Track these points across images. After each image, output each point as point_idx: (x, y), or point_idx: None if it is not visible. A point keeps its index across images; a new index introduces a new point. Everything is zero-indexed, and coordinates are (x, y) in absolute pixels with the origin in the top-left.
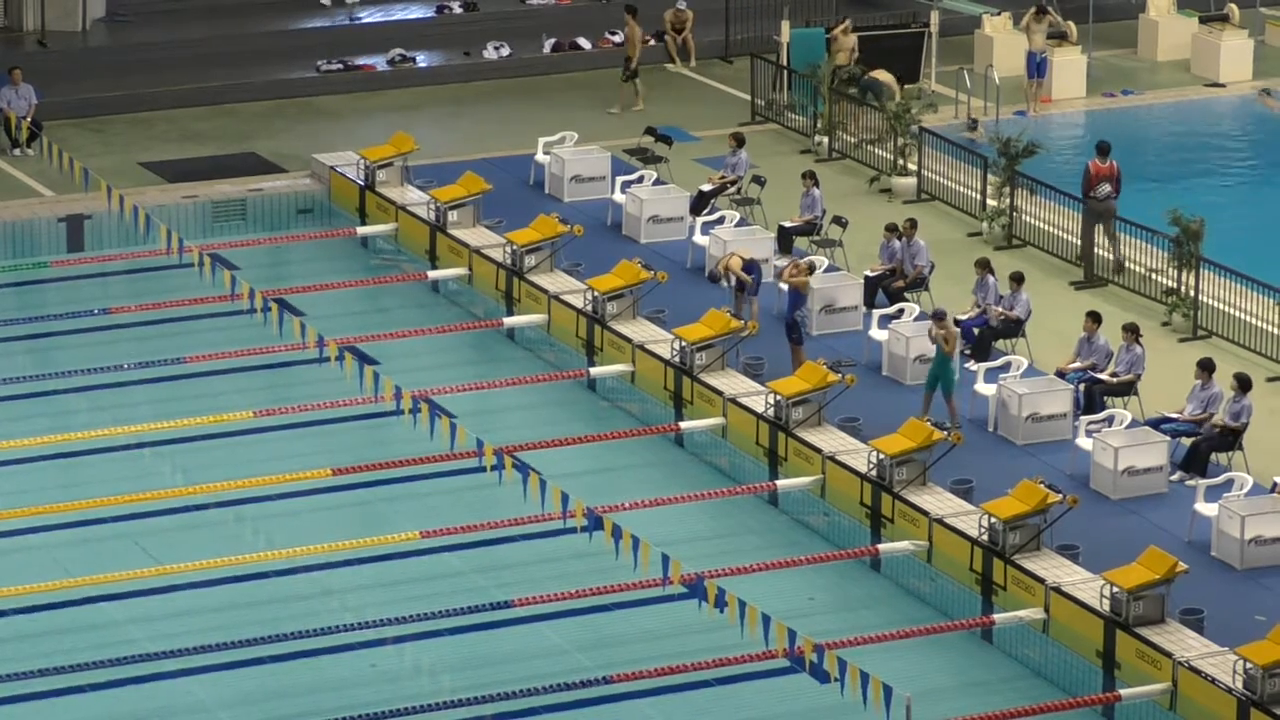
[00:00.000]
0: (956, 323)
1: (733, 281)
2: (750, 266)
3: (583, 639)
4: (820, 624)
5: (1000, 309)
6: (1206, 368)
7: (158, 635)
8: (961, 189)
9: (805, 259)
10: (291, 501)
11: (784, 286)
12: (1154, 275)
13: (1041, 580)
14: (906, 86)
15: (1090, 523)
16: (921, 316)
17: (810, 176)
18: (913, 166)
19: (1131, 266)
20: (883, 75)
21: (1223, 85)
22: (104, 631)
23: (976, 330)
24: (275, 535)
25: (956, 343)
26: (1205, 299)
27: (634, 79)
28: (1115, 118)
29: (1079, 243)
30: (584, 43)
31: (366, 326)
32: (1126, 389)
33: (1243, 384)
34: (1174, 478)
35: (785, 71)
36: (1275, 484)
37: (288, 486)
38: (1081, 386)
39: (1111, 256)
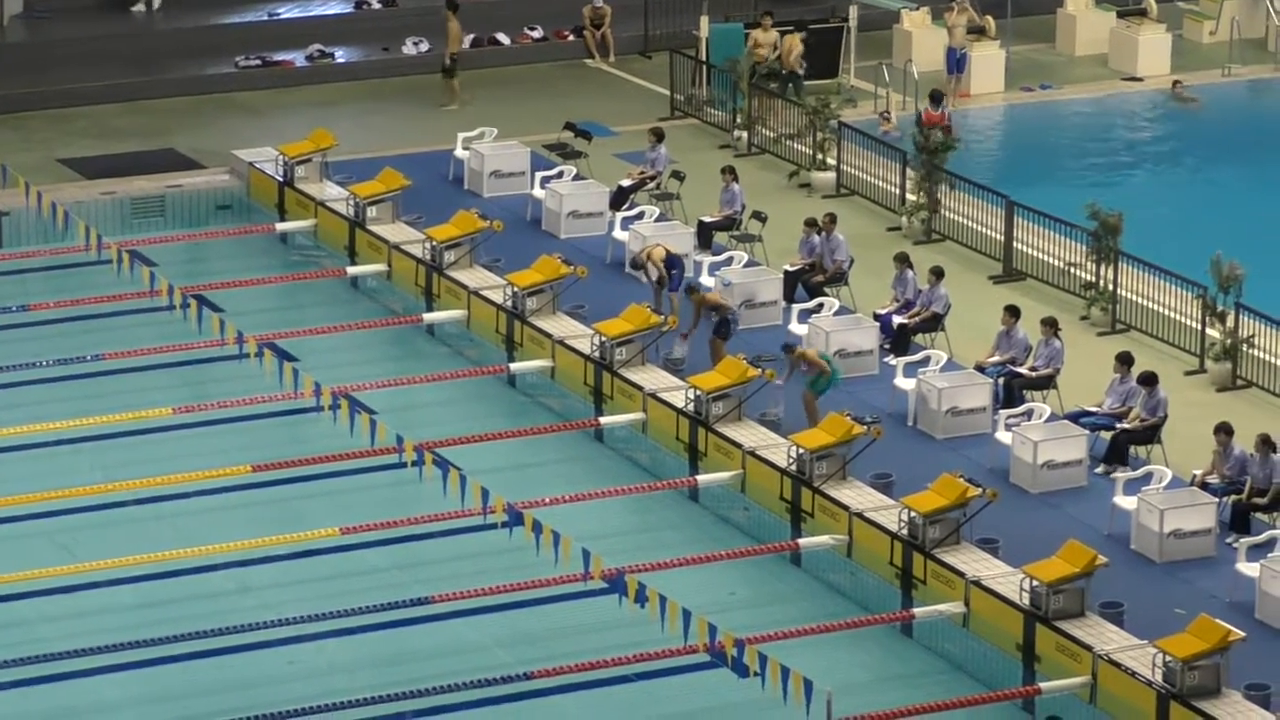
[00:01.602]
0: (876, 317)
1: (653, 276)
2: (673, 261)
3: (503, 635)
4: (741, 619)
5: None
6: (1125, 361)
7: (70, 633)
8: (881, 184)
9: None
10: (210, 498)
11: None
12: (1072, 269)
13: (961, 574)
14: (825, 81)
15: (1010, 517)
16: (842, 311)
17: (730, 171)
18: (832, 161)
19: (1050, 260)
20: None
21: (1140, 79)
22: (15, 630)
23: (896, 325)
24: (194, 532)
25: (817, 358)
26: (1124, 293)
27: (452, 77)
28: (1034, 112)
29: (999, 237)
30: (503, 38)
31: (286, 323)
32: (1046, 383)
33: (1148, 380)
34: (1099, 470)
35: (704, 67)
36: (1194, 476)
37: (207, 483)
38: (1001, 380)
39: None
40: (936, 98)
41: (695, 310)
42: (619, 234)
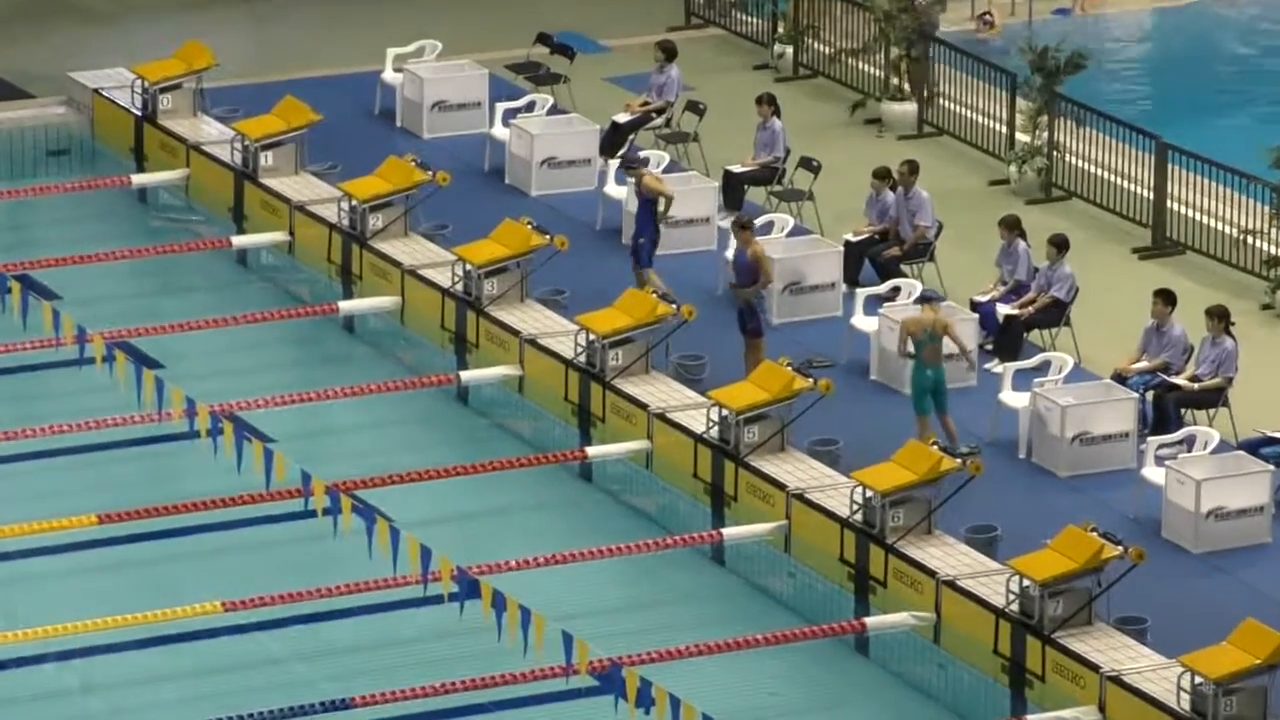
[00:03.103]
0: (975, 306)
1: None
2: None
3: None
4: None
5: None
6: None
7: None
8: (980, 119)
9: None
10: (41, 561)
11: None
12: (1250, 239)
13: (1096, 668)
14: None
15: (1162, 586)
16: (932, 307)
17: (769, 102)
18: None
19: (1219, 227)
20: None
21: None
22: None
23: (1003, 318)
24: (19, 608)
25: (905, 335)
26: None
27: None
28: (1198, 18)
29: (1147, 194)
30: None
31: (146, 314)
32: (1213, 398)
33: None
34: None
35: None
36: None
37: (36, 540)
38: (1150, 395)
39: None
40: None
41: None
42: (613, 189)
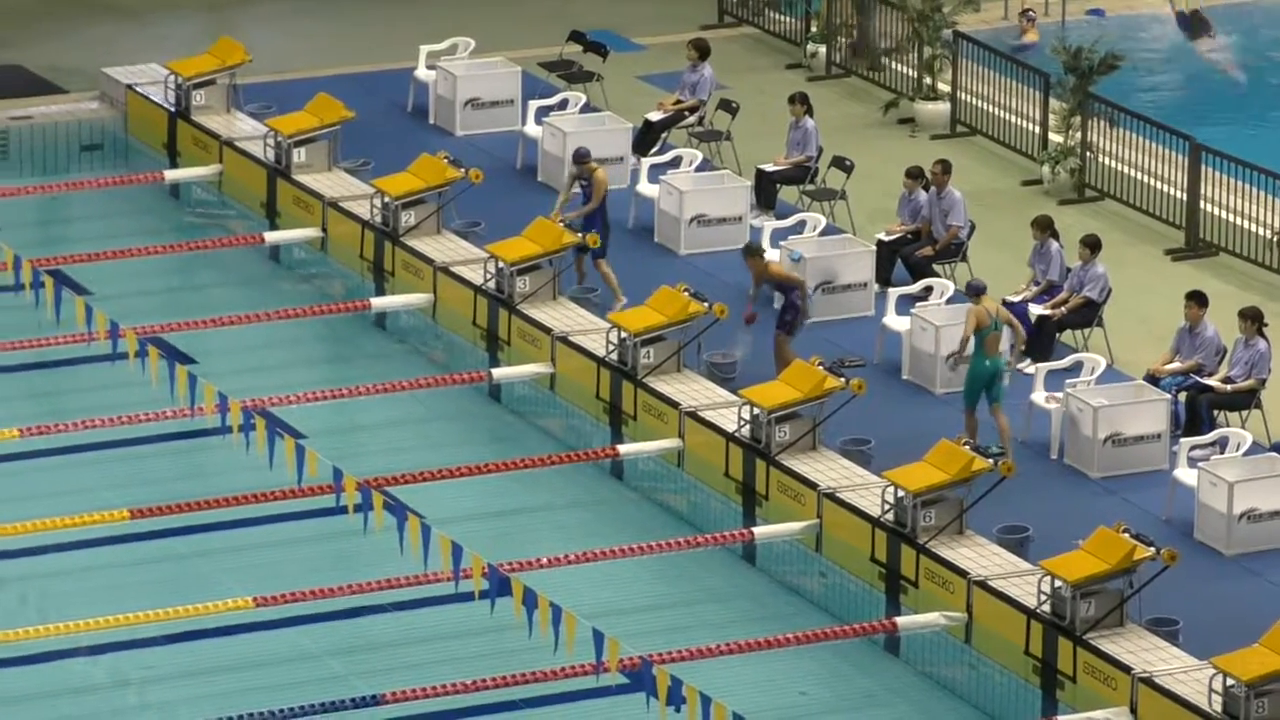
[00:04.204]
0: (1007, 307)
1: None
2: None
3: None
4: None
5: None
6: None
7: None
8: (1014, 119)
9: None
10: (73, 556)
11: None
12: None
13: (1127, 669)
14: None
15: (1195, 588)
16: (958, 297)
17: (802, 101)
18: (945, 87)
19: (1253, 229)
20: None
21: None
22: None
23: (1035, 319)
24: (50, 604)
25: (1004, 337)
26: None
27: None
28: (1226, 19)
29: (1180, 195)
30: None
31: (179, 310)
32: (1246, 399)
33: None
34: None
35: None
36: None
37: (67, 535)
38: (1182, 396)
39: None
40: None
41: (754, 282)
42: (645, 188)
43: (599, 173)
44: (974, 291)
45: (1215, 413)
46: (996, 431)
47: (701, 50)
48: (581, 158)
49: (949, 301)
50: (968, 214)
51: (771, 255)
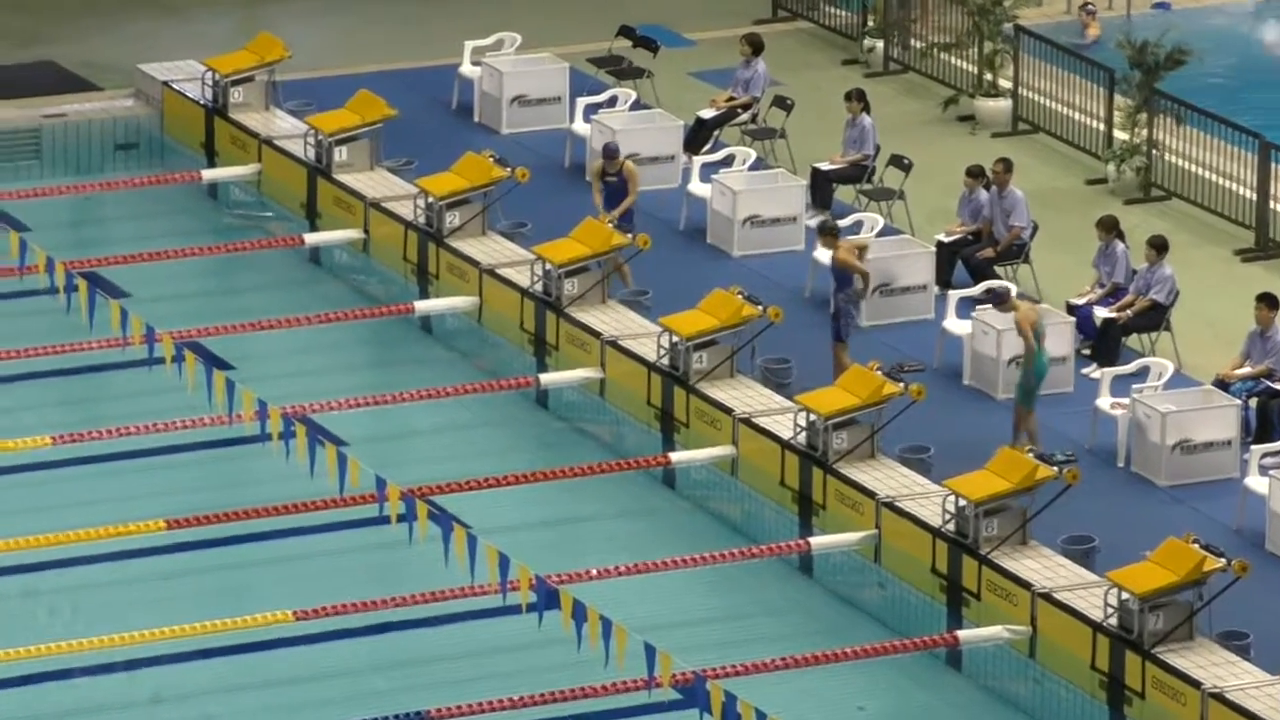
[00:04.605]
0: (1071, 310)
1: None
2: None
3: None
4: None
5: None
6: None
7: None
8: (1077, 116)
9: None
10: (108, 567)
11: (822, 260)
12: None
13: (1197, 684)
14: None
15: (1266, 599)
16: (1020, 299)
17: (858, 97)
18: (1006, 83)
19: None
20: None
21: None
22: None
23: (1100, 321)
24: (83, 617)
25: (1031, 332)
26: None
27: None
28: None
29: (1249, 194)
30: None
31: (216, 314)
32: None
33: None
34: None
35: None
36: None
37: (102, 546)
38: (1253, 402)
39: None
40: None
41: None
42: (697, 187)
43: (629, 165)
44: (1019, 297)
45: None
46: (1024, 432)
47: (755, 45)
48: (612, 153)
49: (1015, 298)
50: (1030, 214)
51: (823, 257)
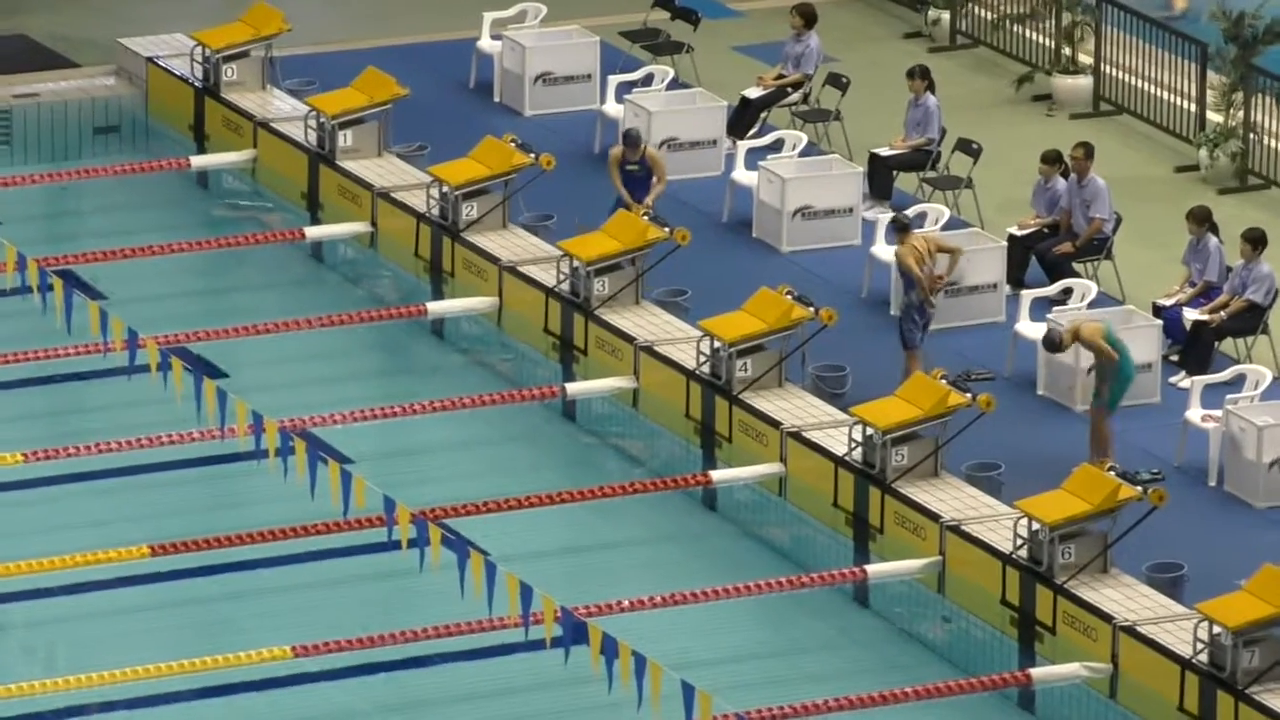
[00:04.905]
0: (1158, 311)
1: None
2: None
3: None
4: None
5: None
6: None
7: None
8: (1166, 95)
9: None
10: (86, 598)
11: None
12: None
13: None
14: None
15: None
16: (1101, 300)
17: (922, 75)
18: (1086, 59)
19: None
20: None
21: None
22: None
23: (1190, 324)
24: (60, 653)
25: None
26: None
27: None
28: None
29: None
30: None
31: (207, 316)
32: None
33: None
34: None
35: None
36: None
37: (79, 574)
38: None
39: None
40: None
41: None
42: (742, 175)
43: (653, 151)
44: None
45: None
46: (1099, 440)
47: (807, 17)
48: (634, 141)
49: (1092, 304)
50: (1113, 205)
51: (884, 253)
